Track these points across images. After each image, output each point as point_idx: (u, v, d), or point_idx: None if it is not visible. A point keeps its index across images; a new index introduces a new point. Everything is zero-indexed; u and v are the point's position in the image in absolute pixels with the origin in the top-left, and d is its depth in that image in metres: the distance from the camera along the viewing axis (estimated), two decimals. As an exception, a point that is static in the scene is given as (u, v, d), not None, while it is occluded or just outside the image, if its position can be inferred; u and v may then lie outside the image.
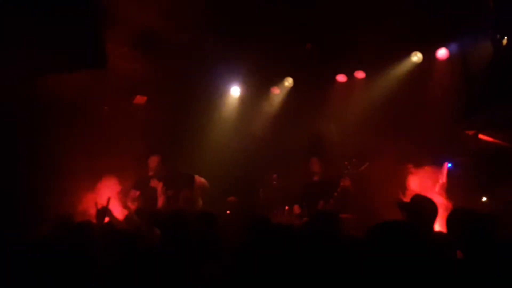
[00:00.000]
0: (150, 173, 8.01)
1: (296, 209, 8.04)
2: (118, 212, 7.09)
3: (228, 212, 8.06)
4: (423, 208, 4.46)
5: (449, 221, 3.73)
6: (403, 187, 6.86)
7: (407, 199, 5.65)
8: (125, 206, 7.51)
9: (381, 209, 6.25)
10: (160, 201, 7.50)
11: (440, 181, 7.05)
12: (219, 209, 7.83)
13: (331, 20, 7.95)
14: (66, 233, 4.64)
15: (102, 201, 6.08)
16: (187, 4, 7.24)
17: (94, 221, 5.57)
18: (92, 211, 6.00)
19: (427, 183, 6.92)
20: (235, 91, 10.00)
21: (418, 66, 8.71)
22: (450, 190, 6.70)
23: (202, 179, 7.97)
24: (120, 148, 7.78)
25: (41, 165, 7.30)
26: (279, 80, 9.96)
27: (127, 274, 3.59)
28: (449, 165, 7.25)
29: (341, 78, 9.55)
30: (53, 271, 3.33)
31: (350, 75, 9.44)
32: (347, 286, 3.40)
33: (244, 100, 10.04)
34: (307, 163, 8.43)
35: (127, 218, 6.76)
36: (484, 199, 7.24)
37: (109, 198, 6.11)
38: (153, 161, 8.06)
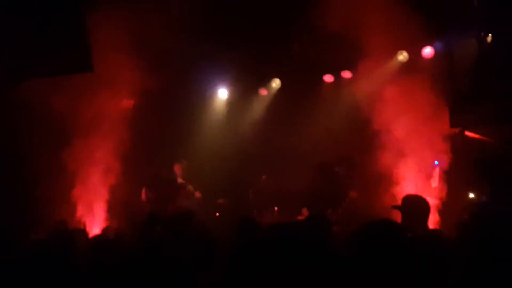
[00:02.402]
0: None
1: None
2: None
3: (217, 214, 8.06)
4: (414, 207, 4.48)
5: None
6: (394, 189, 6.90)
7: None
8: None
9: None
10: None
11: (433, 185, 7.10)
12: (209, 211, 7.83)
13: (316, 21, 7.96)
14: (57, 240, 4.62)
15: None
16: (174, 7, 7.26)
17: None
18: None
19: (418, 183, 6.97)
20: (222, 94, 9.99)
21: (404, 65, 8.75)
22: (438, 188, 6.74)
23: (190, 188, 7.98)
24: (107, 152, 7.75)
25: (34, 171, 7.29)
26: (266, 81, 9.96)
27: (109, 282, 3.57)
28: (436, 162, 7.29)
29: (328, 78, 9.58)
30: (39, 276, 3.32)
31: (337, 75, 9.47)
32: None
33: (232, 102, 10.04)
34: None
35: (106, 228, 6.74)
36: (472, 195, 7.29)
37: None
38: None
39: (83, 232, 5.12)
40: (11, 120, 7.27)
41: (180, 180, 7.96)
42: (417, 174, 7.10)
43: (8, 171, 7.28)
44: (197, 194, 8.11)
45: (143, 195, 7.75)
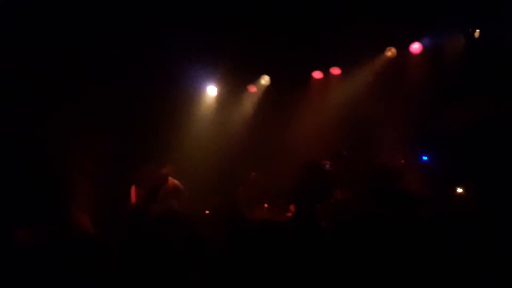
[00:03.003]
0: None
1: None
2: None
3: (207, 212, 8.04)
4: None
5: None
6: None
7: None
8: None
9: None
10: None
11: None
12: (199, 208, 7.80)
13: (305, 17, 7.97)
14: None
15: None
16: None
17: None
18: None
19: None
20: (211, 91, 9.96)
21: (392, 61, 8.78)
22: (425, 183, 6.76)
23: (176, 181, 7.93)
24: (96, 149, 7.72)
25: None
26: (255, 78, 9.95)
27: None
28: (424, 158, 7.32)
29: (317, 74, 9.59)
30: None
31: (326, 71, 9.48)
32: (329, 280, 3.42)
33: (221, 99, 10.01)
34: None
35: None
36: (460, 190, 7.32)
37: None
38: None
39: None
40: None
41: (170, 178, 7.93)
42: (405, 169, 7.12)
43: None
44: (187, 192, 8.08)
45: (132, 193, 7.71)
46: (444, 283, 3.22)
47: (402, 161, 7.95)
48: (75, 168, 7.54)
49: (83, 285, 3.74)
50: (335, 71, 9.39)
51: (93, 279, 3.77)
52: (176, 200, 7.73)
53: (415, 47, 8.53)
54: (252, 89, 10.09)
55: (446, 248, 3.59)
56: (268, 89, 9.95)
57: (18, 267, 3.76)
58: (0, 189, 7.02)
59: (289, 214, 7.78)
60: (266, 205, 8.23)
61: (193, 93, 9.83)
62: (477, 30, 7.66)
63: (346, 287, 2.90)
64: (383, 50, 8.80)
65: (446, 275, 3.23)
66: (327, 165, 8.05)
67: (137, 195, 7.58)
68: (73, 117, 7.88)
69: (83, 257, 4.07)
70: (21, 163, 7.42)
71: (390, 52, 8.78)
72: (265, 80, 9.91)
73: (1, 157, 7.28)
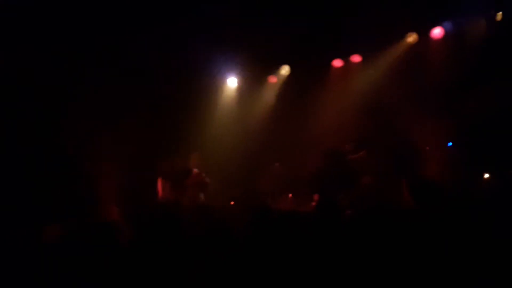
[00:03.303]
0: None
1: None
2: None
3: (232, 203, 8.10)
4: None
5: None
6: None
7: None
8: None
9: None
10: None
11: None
12: (224, 200, 7.87)
13: (324, 5, 7.92)
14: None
15: None
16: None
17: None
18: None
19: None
20: (232, 82, 9.99)
21: (414, 46, 8.68)
22: (451, 170, 6.71)
23: (201, 172, 7.97)
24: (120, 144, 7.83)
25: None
26: (275, 68, 9.94)
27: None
28: (450, 144, 7.26)
29: (337, 63, 9.54)
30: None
31: (346, 59, 9.42)
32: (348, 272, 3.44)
33: (241, 90, 10.03)
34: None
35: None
36: (487, 175, 7.25)
37: None
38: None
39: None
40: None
41: (195, 170, 7.99)
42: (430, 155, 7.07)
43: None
44: (212, 183, 8.12)
45: (159, 186, 7.78)
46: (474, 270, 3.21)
47: (427, 148, 7.89)
48: (100, 164, 7.66)
49: (107, 278, 3.81)
50: (356, 58, 9.32)
51: (118, 272, 3.84)
52: (202, 192, 7.80)
53: (437, 32, 8.40)
54: (273, 79, 10.08)
55: (473, 237, 3.57)
56: (289, 79, 9.93)
57: (46, 262, 3.84)
58: (26, 187, 7.19)
59: (314, 204, 7.77)
60: (290, 195, 8.25)
61: (214, 85, 9.86)
62: (499, 13, 7.53)
63: (368, 278, 2.91)
64: (404, 35, 8.70)
65: (474, 263, 3.22)
66: (350, 151, 8.00)
67: (164, 188, 7.66)
68: (94, 112, 8.01)
69: (109, 248, 4.15)
70: (43, 160, 7.55)
71: (412, 37, 8.67)
72: (285, 70, 9.89)
73: (21, 154, 7.42)
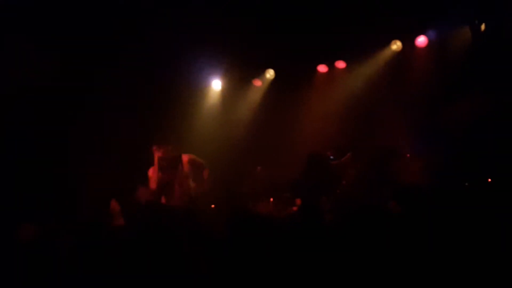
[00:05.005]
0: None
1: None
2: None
3: (212, 206, 8.04)
4: None
5: None
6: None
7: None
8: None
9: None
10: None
11: None
12: (204, 203, 7.80)
13: (310, 10, 7.94)
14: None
15: None
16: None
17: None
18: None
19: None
20: (216, 85, 9.95)
21: (398, 54, 8.74)
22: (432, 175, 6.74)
23: (191, 156, 7.75)
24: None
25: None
26: (260, 72, 9.93)
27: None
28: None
29: (322, 68, 9.57)
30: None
31: (331, 65, 9.45)
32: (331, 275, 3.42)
33: (226, 93, 10.00)
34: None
35: None
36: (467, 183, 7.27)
37: None
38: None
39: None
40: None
41: (185, 156, 7.73)
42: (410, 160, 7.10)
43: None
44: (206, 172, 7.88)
45: (150, 177, 7.53)
46: (451, 275, 3.21)
47: (408, 155, 7.93)
48: (85, 162, 7.61)
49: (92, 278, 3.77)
50: (340, 64, 9.36)
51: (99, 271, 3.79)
52: (195, 182, 7.57)
53: (421, 40, 8.48)
54: (257, 83, 10.06)
55: (453, 240, 3.59)
56: (273, 83, 9.93)
57: (21, 261, 3.78)
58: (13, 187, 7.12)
59: (295, 208, 7.77)
60: (271, 199, 8.22)
61: (198, 88, 9.82)
62: (483, 23, 7.60)
63: (347, 282, 2.90)
64: (388, 43, 8.75)
65: (454, 268, 3.23)
66: (331, 156, 8.03)
67: (153, 179, 7.43)
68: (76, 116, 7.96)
69: (85, 248, 4.10)
70: (28, 160, 7.47)
71: (396, 45, 8.73)
72: (270, 74, 9.88)
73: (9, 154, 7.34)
